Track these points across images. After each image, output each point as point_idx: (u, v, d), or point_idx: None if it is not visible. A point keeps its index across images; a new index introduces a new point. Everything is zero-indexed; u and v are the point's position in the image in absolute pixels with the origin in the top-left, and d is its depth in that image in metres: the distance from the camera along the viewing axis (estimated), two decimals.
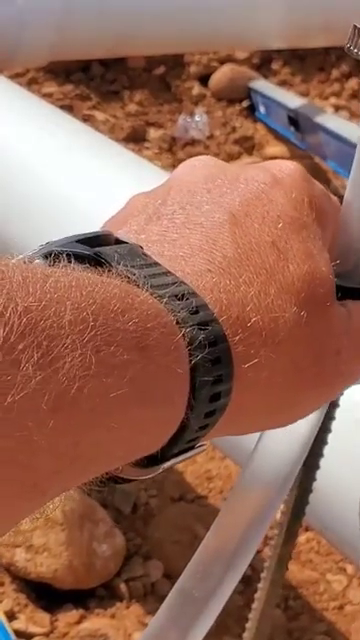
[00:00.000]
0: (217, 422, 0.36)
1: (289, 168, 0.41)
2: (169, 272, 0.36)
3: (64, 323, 0.29)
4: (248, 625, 0.58)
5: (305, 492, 0.53)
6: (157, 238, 0.38)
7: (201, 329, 0.34)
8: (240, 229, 0.38)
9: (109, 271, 0.34)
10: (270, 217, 0.39)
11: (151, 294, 0.33)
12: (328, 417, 0.50)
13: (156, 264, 0.36)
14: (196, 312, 0.35)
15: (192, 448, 0.36)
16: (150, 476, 0.35)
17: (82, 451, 0.30)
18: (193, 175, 0.41)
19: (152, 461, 0.35)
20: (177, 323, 0.34)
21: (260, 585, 0.56)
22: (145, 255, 0.36)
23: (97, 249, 0.35)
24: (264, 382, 0.37)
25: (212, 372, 0.34)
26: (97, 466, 0.32)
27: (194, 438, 0.35)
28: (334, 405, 0.50)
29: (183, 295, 0.35)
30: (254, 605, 0.57)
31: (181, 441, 0.35)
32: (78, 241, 0.35)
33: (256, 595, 0.57)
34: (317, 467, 0.52)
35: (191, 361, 0.34)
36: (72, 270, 0.33)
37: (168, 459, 0.35)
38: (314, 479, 0.53)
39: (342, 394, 0.49)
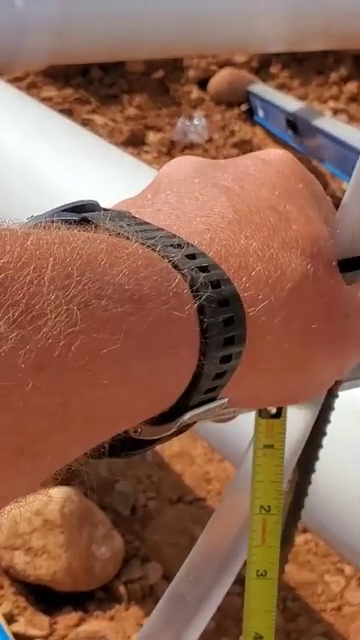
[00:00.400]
0: (235, 369, 0.34)
1: (277, 153, 0.42)
2: (161, 229, 0.35)
3: (45, 280, 0.28)
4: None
5: (301, 496, 0.53)
6: (151, 212, 0.37)
7: (201, 271, 0.33)
8: (237, 197, 0.38)
9: (96, 228, 0.33)
10: (266, 187, 0.39)
11: (142, 244, 0.32)
12: (322, 419, 0.50)
13: (147, 223, 0.35)
14: (193, 257, 0.34)
15: (213, 400, 0.34)
16: (168, 433, 0.34)
17: (74, 412, 0.28)
18: (181, 169, 0.40)
19: (172, 417, 0.33)
20: (175, 267, 0.32)
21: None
22: (135, 217, 0.35)
23: (84, 214, 0.34)
24: (278, 330, 0.36)
25: (220, 313, 0.33)
26: (98, 427, 0.30)
27: (212, 388, 0.34)
28: (328, 407, 0.50)
29: (179, 245, 0.34)
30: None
31: (197, 391, 0.33)
32: (64, 210, 0.34)
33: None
34: (312, 470, 0.52)
35: (195, 304, 0.32)
36: (56, 229, 0.31)
37: (185, 412, 0.33)
38: (310, 482, 0.53)
39: (337, 396, 0.49)
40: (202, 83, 2.69)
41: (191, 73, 2.69)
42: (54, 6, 1.74)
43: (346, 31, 2.16)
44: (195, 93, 2.66)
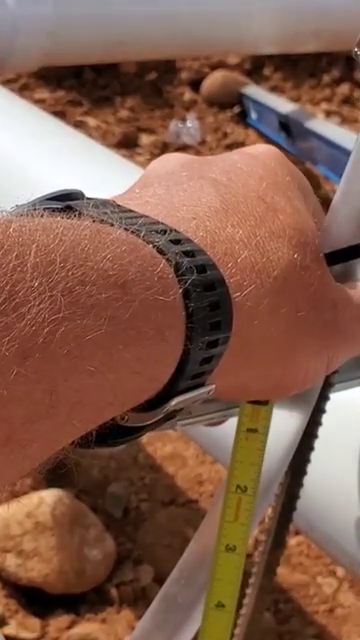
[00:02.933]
0: (222, 355, 0.34)
1: (264, 147, 0.42)
2: (145, 215, 0.34)
3: (28, 267, 0.28)
4: (236, 631, 0.58)
5: (292, 498, 0.53)
6: (138, 204, 0.37)
7: (186, 256, 0.33)
8: (224, 188, 0.38)
9: (80, 215, 0.32)
10: (253, 178, 0.39)
11: (125, 230, 0.32)
12: (314, 422, 0.50)
13: (131, 211, 0.34)
14: (178, 243, 0.33)
15: (200, 386, 0.34)
16: (155, 420, 0.34)
17: (60, 398, 0.28)
18: (169, 164, 0.41)
19: (159, 403, 0.33)
20: (159, 252, 0.32)
21: (248, 591, 0.56)
22: (119, 205, 0.35)
23: (68, 202, 0.34)
24: (264, 316, 0.36)
25: (206, 297, 0.33)
26: (84, 414, 0.30)
27: (199, 373, 0.34)
28: (320, 410, 0.50)
29: (163, 231, 0.33)
30: (242, 611, 0.57)
31: (183, 377, 0.33)
32: (49, 199, 0.34)
33: (244, 601, 0.57)
34: (304, 473, 0.52)
35: (180, 288, 0.32)
36: (39, 217, 0.31)
37: (172, 398, 0.33)
38: (301, 485, 0.53)
39: (328, 398, 0.49)
40: (195, 85, 2.69)
41: (184, 75, 2.69)
42: (46, 8, 1.74)
43: (339, 33, 2.16)
44: (188, 95, 2.66)
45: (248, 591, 0.56)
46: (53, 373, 0.28)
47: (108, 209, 0.33)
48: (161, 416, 0.34)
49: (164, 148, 2.51)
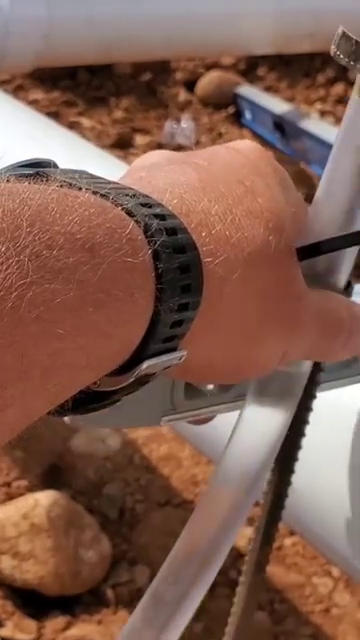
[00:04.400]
0: (192, 319, 0.34)
1: (246, 142, 0.42)
2: (115, 182, 0.34)
3: None
4: (227, 629, 0.58)
5: (280, 497, 0.53)
6: (117, 185, 0.37)
7: (156, 218, 0.33)
8: (205, 170, 0.38)
9: (47, 181, 0.32)
10: (234, 165, 0.39)
11: (94, 193, 0.32)
12: (300, 420, 0.50)
13: (100, 178, 0.34)
14: (149, 206, 0.33)
15: (172, 351, 0.34)
16: (127, 383, 0.33)
17: (32, 363, 0.28)
18: (153, 158, 0.41)
19: (131, 367, 0.33)
20: (128, 215, 0.32)
21: (239, 589, 0.56)
22: (88, 172, 0.35)
23: (38, 169, 0.34)
24: (236, 287, 0.36)
25: (176, 260, 0.33)
26: (58, 378, 0.30)
27: (170, 337, 0.33)
28: (306, 407, 0.50)
29: (134, 195, 0.33)
30: (233, 609, 0.57)
31: (154, 339, 0.33)
32: (20, 166, 0.34)
33: (235, 599, 0.57)
34: (292, 471, 0.53)
35: (150, 250, 0.32)
36: (5, 182, 0.31)
37: (143, 360, 0.33)
38: (289, 483, 0.53)
39: (315, 397, 0.49)
40: (190, 85, 2.69)
41: (178, 75, 2.69)
42: (40, 9, 1.74)
43: (333, 33, 2.16)
44: (183, 95, 2.67)
45: (238, 589, 0.56)
46: (23, 337, 0.28)
47: (76, 174, 0.34)
48: (132, 380, 0.33)
49: (159, 148, 2.50)
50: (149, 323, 0.32)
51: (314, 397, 0.49)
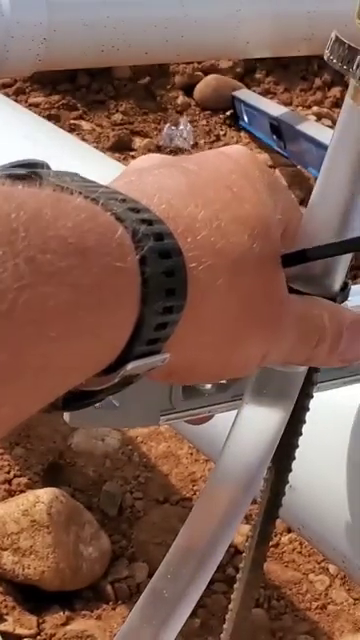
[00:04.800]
0: (177, 323, 0.35)
1: (237, 147, 0.43)
2: (105, 186, 0.35)
3: None
4: (225, 626, 0.59)
5: (278, 495, 0.53)
6: (107, 189, 0.37)
7: (143, 223, 0.34)
8: (194, 175, 0.39)
9: (41, 184, 0.33)
10: (223, 170, 0.40)
11: (85, 198, 0.33)
12: (297, 420, 0.51)
13: (91, 181, 0.35)
14: (137, 211, 0.34)
15: (156, 353, 0.35)
16: (112, 383, 0.34)
17: (26, 363, 0.29)
18: (147, 161, 0.42)
19: (116, 368, 0.34)
20: (118, 220, 0.33)
21: (236, 586, 0.56)
22: (80, 175, 0.35)
23: (31, 170, 0.35)
24: (219, 295, 0.37)
25: (161, 264, 0.34)
26: (51, 379, 0.31)
27: (154, 339, 0.34)
28: (303, 407, 0.50)
29: (123, 200, 0.34)
30: (231, 606, 0.57)
31: (139, 341, 0.33)
32: (13, 166, 0.35)
33: (232, 596, 0.57)
34: (289, 470, 0.53)
35: (137, 255, 0.33)
36: (1, 184, 0.32)
37: (128, 362, 0.34)
38: (286, 482, 0.54)
39: (310, 397, 0.50)
40: (188, 89, 2.71)
41: (177, 79, 2.71)
42: (41, 14, 1.75)
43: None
44: (181, 99, 2.68)
45: (236, 586, 0.56)
46: (18, 339, 0.29)
47: (68, 177, 0.35)
48: (117, 380, 0.34)
49: (157, 151, 2.52)
50: (134, 325, 0.33)
51: (311, 396, 0.49)
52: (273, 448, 0.48)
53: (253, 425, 0.47)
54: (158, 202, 0.36)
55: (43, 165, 0.36)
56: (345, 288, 0.45)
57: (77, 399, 0.35)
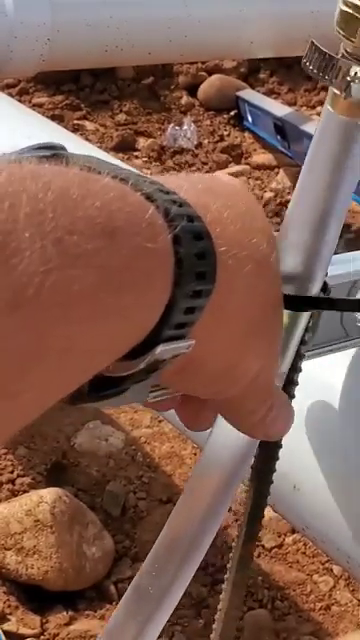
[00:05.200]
0: (204, 308, 0.34)
1: (235, 179, 0.44)
2: (131, 170, 0.35)
3: (20, 216, 0.28)
4: (215, 626, 0.59)
5: (261, 495, 0.52)
6: (135, 172, 0.38)
7: (174, 203, 0.33)
8: (211, 181, 0.40)
9: (67, 164, 0.33)
10: (232, 188, 0.41)
11: (113, 178, 0.32)
12: (287, 394, 0.50)
13: (117, 165, 0.34)
14: (167, 193, 0.34)
15: (182, 338, 0.34)
16: (140, 368, 0.34)
17: (49, 346, 0.28)
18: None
19: (143, 351, 0.33)
20: (148, 199, 0.32)
21: (224, 586, 0.56)
22: (107, 161, 0.35)
23: (56, 151, 0.34)
24: (247, 279, 0.37)
25: (195, 246, 0.33)
26: (75, 362, 0.30)
27: (182, 323, 0.34)
28: (291, 383, 0.49)
29: (152, 182, 0.34)
30: (219, 606, 0.57)
31: (168, 324, 0.33)
32: (35, 148, 0.35)
33: (221, 596, 0.57)
34: (273, 470, 0.52)
35: (170, 234, 0.32)
36: (28, 163, 0.31)
37: (156, 345, 0.33)
38: (271, 482, 0.53)
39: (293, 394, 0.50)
40: (192, 89, 2.71)
41: (181, 79, 2.71)
42: (44, 14, 1.76)
43: (334, 37, 2.18)
44: (185, 99, 2.68)
45: (224, 586, 0.56)
46: (43, 323, 0.28)
47: (94, 159, 0.34)
48: (143, 366, 0.34)
49: (161, 151, 2.53)
50: (165, 307, 0.33)
51: (299, 371, 0.49)
52: (254, 449, 0.48)
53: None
54: (185, 192, 0.36)
55: (63, 148, 0.36)
56: (325, 289, 0.45)
57: (102, 388, 0.34)
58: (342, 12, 0.39)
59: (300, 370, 0.49)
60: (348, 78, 0.40)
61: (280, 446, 0.51)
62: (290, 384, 0.49)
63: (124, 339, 0.32)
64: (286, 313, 0.43)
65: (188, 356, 0.36)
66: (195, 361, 0.37)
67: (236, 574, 0.55)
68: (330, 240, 0.44)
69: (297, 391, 0.49)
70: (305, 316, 0.45)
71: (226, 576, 0.56)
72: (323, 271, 0.45)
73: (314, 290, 0.45)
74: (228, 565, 0.55)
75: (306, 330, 0.46)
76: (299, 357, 0.48)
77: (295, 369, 0.48)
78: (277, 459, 0.51)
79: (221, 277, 0.35)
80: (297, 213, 0.44)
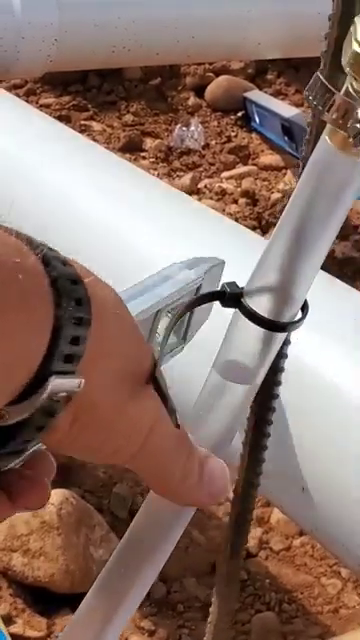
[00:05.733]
0: (87, 340, 0.33)
1: None
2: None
3: None
4: (205, 638, 0.58)
5: (245, 511, 0.52)
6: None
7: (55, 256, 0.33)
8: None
9: None
10: None
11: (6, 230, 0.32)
12: (272, 382, 0.49)
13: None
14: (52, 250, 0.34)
15: (73, 373, 0.33)
16: (37, 406, 0.33)
17: None
18: None
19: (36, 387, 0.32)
20: (29, 245, 0.32)
21: (213, 599, 0.56)
22: None
23: None
24: (115, 320, 0.36)
25: (64, 270, 0.33)
26: None
27: (70, 355, 0.33)
28: (279, 369, 0.48)
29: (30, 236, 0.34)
30: (209, 619, 0.57)
31: (57, 353, 0.32)
32: None
33: (210, 609, 0.57)
34: (257, 485, 0.52)
35: (38, 254, 0.32)
36: None
37: (47, 378, 0.32)
38: (255, 496, 0.52)
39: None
40: (199, 90, 2.71)
41: (188, 80, 2.71)
42: (52, 15, 1.76)
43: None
44: (192, 100, 2.68)
45: (213, 599, 0.56)
46: None
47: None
48: (38, 406, 0.33)
49: (168, 152, 2.53)
50: (50, 337, 0.32)
51: (285, 357, 0.48)
52: (241, 415, 0.47)
53: (219, 392, 0.45)
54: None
55: None
56: (304, 308, 0.45)
57: (2, 444, 0.33)
58: (354, 53, 0.38)
59: (286, 356, 0.48)
60: (351, 119, 0.39)
61: (271, 421, 0.50)
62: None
63: (10, 365, 0.31)
64: (261, 332, 0.43)
65: (79, 401, 0.34)
66: (86, 405, 0.35)
67: (224, 588, 0.54)
68: (316, 261, 0.43)
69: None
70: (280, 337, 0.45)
71: (215, 589, 0.55)
72: (307, 288, 0.44)
73: (296, 307, 0.44)
74: (215, 578, 0.54)
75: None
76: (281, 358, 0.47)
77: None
78: (260, 475, 0.50)
79: (94, 306, 0.34)
80: (280, 237, 0.43)
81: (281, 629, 1.44)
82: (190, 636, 1.38)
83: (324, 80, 0.39)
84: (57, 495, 1.41)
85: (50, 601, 1.40)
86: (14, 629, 1.34)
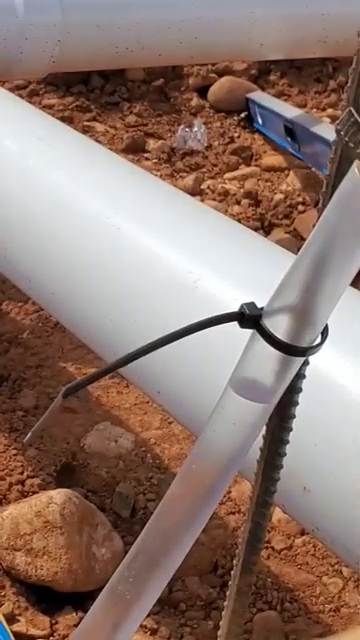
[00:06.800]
0: None
1: None
2: None
3: None
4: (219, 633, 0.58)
5: (259, 526, 0.52)
6: None
7: None
8: None
9: None
10: None
11: None
12: (290, 402, 0.50)
13: None
14: None
15: None
16: None
17: None
18: None
19: None
20: None
21: (223, 613, 0.56)
22: None
23: None
24: None
25: None
26: None
27: None
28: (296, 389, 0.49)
29: None
30: (219, 632, 0.57)
31: None
32: None
33: (221, 622, 0.57)
34: (271, 504, 0.52)
35: None
36: None
37: None
38: (269, 515, 0.52)
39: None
40: (202, 91, 2.71)
41: (191, 81, 2.71)
42: (55, 16, 1.76)
43: (344, 39, 2.18)
44: (195, 101, 2.69)
45: (223, 613, 0.55)
46: None
47: None
48: None
49: (171, 153, 2.53)
50: None
51: (304, 377, 0.48)
52: (254, 433, 0.47)
53: (233, 408, 0.46)
54: None
55: None
56: (325, 332, 0.44)
57: None
58: None
59: (304, 377, 0.48)
60: None
61: (287, 441, 0.50)
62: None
63: None
64: (279, 355, 0.43)
65: None
66: None
67: (235, 603, 0.55)
68: (340, 288, 0.43)
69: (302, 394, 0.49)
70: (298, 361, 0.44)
71: (225, 603, 0.55)
72: (329, 311, 0.44)
73: (317, 331, 0.44)
74: (227, 593, 0.55)
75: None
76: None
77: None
78: (275, 491, 0.50)
79: None
80: (303, 262, 0.43)
81: (283, 628, 1.44)
82: (192, 634, 1.39)
83: (357, 117, 0.39)
84: (60, 495, 1.42)
85: (53, 600, 1.40)
86: (17, 628, 1.35)
